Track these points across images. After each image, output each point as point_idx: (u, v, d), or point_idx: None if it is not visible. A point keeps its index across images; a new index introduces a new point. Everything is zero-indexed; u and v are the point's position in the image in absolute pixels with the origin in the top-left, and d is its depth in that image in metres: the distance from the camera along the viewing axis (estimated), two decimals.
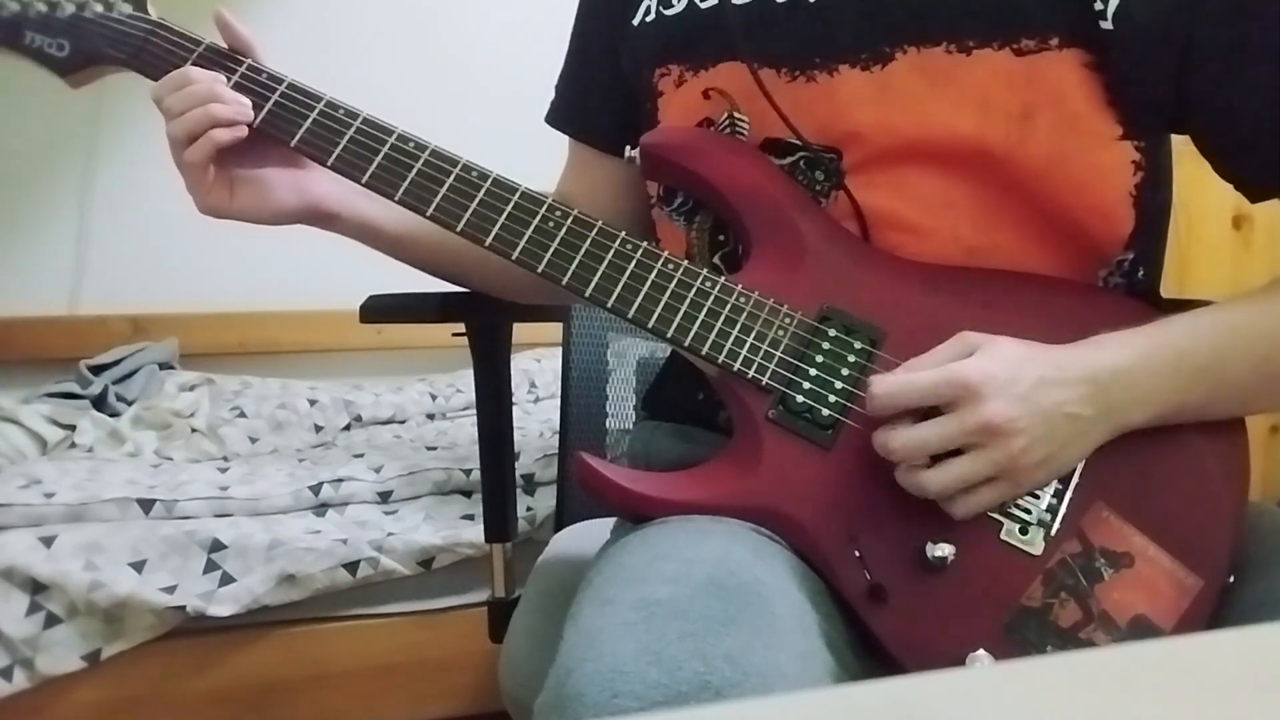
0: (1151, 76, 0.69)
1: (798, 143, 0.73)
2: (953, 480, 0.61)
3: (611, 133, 0.88)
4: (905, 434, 0.61)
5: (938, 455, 0.61)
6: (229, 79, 0.77)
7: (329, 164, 0.75)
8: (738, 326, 0.69)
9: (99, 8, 0.78)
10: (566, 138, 0.93)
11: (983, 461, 0.61)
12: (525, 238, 0.72)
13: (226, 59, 0.78)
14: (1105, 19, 0.67)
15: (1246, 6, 0.67)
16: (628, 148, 0.79)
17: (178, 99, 0.75)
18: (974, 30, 0.69)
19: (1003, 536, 0.64)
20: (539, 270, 0.72)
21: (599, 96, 0.88)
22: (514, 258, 0.72)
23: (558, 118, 0.92)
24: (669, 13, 0.78)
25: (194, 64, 0.77)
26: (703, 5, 0.76)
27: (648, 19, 0.80)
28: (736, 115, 0.75)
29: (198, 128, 0.74)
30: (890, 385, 0.62)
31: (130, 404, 1.81)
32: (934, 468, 0.61)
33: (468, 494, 1.48)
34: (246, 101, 0.76)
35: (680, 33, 0.77)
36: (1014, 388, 0.60)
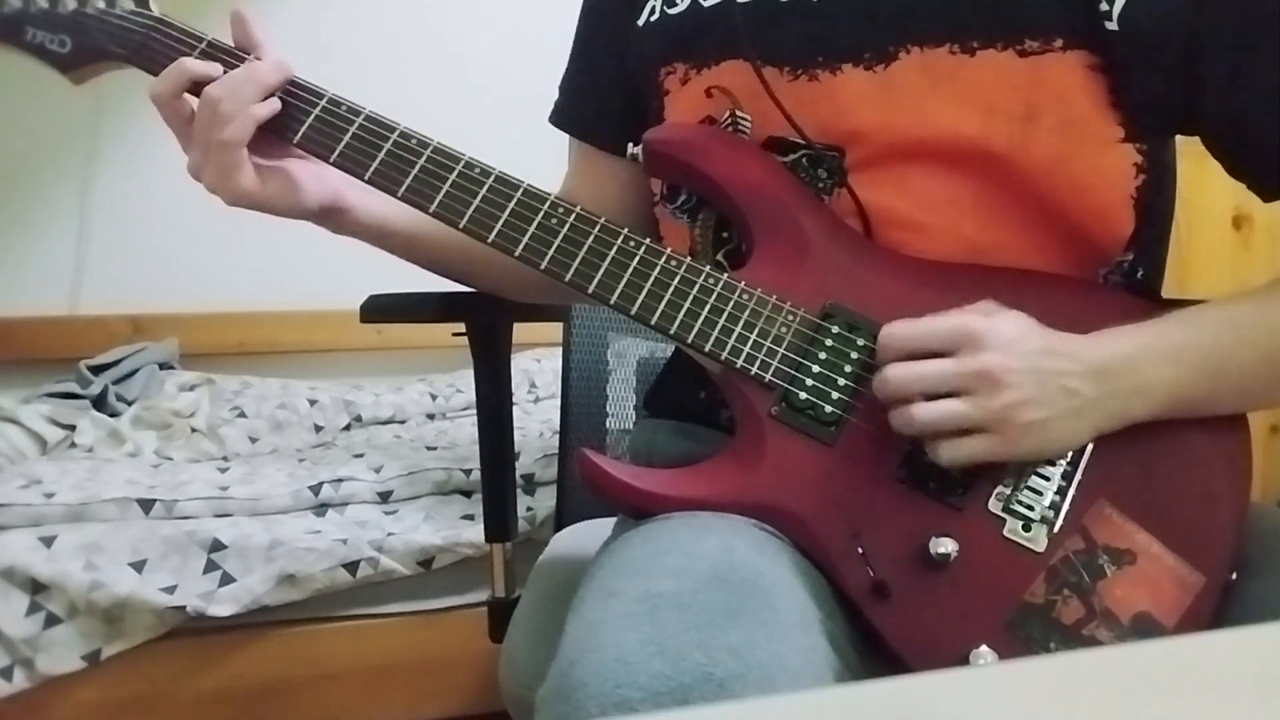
0: (1157, 77, 0.68)
1: (800, 141, 0.73)
2: (939, 416, 0.62)
3: (616, 132, 0.88)
4: (902, 368, 0.63)
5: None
6: (310, 113, 0.76)
7: (331, 160, 0.75)
8: (740, 323, 0.69)
9: (101, 4, 0.78)
10: (568, 139, 0.93)
11: (974, 406, 0.61)
12: (528, 234, 0.72)
13: (229, 55, 0.77)
14: (1111, 19, 0.67)
15: (1254, 6, 0.67)
16: (630, 144, 0.79)
17: (225, 86, 0.73)
18: (978, 31, 0.69)
19: (1005, 533, 0.64)
20: (541, 267, 0.72)
21: (603, 96, 0.88)
22: (516, 254, 0.72)
23: (562, 118, 0.92)
24: (673, 12, 0.78)
25: (196, 60, 0.77)
26: (706, 4, 0.76)
27: (652, 18, 0.80)
28: (739, 114, 0.75)
29: (243, 104, 0.73)
30: (900, 327, 0.64)
31: (130, 404, 1.81)
32: (924, 404, 0.62)
33: (468, 494, 1.48)
34: (284, 61, 0.76)
35: (684, 31, 0.78)
36: (1016, 346, 0.62)
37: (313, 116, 0.76)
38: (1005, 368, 0.61)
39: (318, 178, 0.80)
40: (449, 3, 2.36)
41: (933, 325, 0.63)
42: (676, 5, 0.78)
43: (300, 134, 0.76)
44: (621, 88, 0.85)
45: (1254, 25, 0.67)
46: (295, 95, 0.76)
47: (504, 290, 0.93)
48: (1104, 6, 0.67)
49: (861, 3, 0.71)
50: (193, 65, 0.75)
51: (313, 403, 1.89)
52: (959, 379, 0.61)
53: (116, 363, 1.90)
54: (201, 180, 0.76)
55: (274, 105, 0.75)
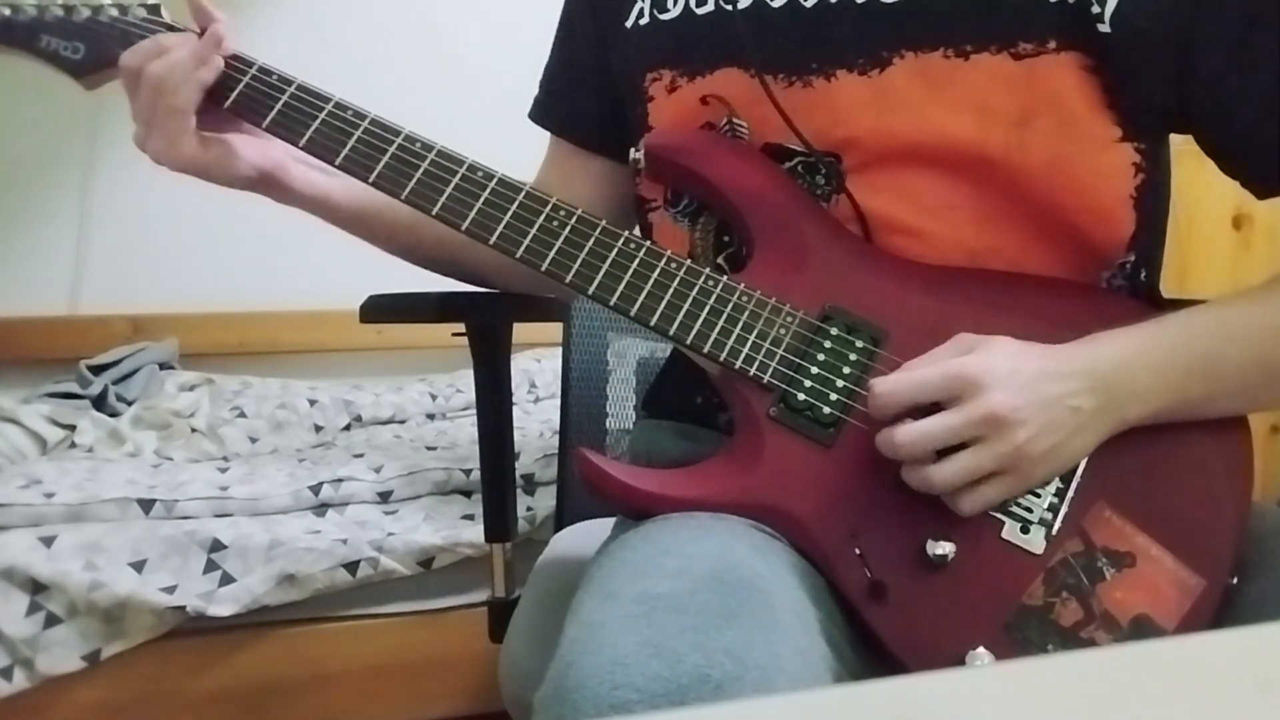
0: (1151, 78, 0.68)
1: (797, 148, 0.73)
2: (959, 474, 0.61)
3: (595, 131, 0.88)
4: (910, 429, 0.61)
5: (942, 451, 0.61)
6: (240, 80, 0.78)
7: (336, 164, 0.76)
8: (739, 325, 0.69)
9: (114, 11, 0.79)
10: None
11: (988, 454, 0.60)
12: (529, 236, 0.72)
13: (238, 61, 0.78)
14: (1103, 22, 0.67)
15: (1247, 5, 0.67)
16: (632, 150, 0.79)
17: (161, 62, 0.76)
18: (971, 34, 0.69)
19: (1004, 535, 0.64)
20: (542, 268, 0.72)
21: (584, 94, 0.88)
22: (518, 255, 0.72)
23: (542, 113, 0.92)
24: (664, 17, 0.78)
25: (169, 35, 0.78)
26: (699, 10, 0.76)
27: (641, 22, 0.80)
28: (736, 121, 0.75)
29: (185, 72, 0.75)
30: (892, 384, 0.62)
31: (130, 404, 1.81)
32: (940, 462, 0.61)
33: (468, 494, 1.48)
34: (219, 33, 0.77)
35: (675, 38, 0.77)
36: (1015, 378, 0.60)
37: (319, 121, 0.76)
38: (1011, 406, 0.60)
39: (258, 146, 0.82)
40: (446, 8, 2.36)
41: (926, 376, 0.62)
42: (669, 10, 0.78)
43: (306, 138, 0.76)
44: (602, 86, 0.85)
45: (1246, 23, 0.67)
46: (302, 100, 0.77)
47: (460, 272, 0.93)
48: (1095, 9, 0.67)
49: (856, 8, 0.71)
50: (167, 40, 0.77)
51: (313, 403, 1.89)
52: (968, 429, 0.60)
53: (116, 363, 1.89)
54: (146, 150, 0.78)
55: (217, 66, 0.76)
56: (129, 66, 0.77)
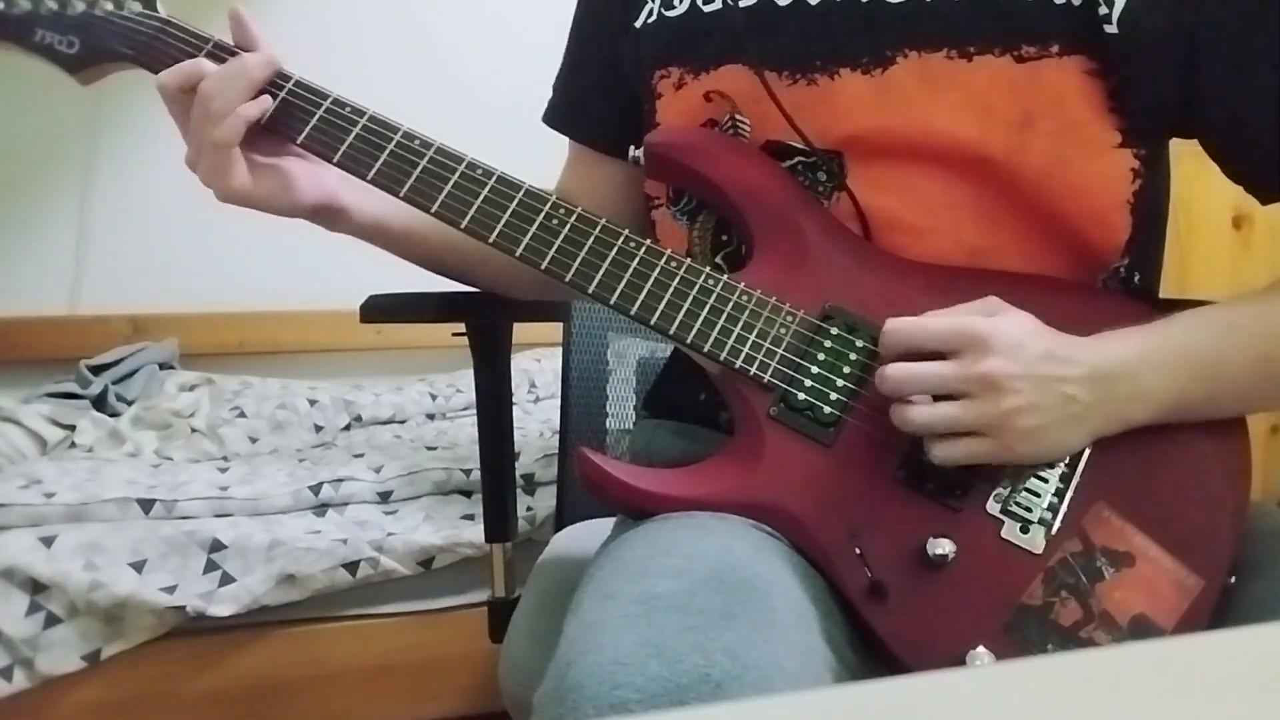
0: (1155, 81, 0.69)
1: (799, 145, 0.73)
2: (936, 419, 0.62)
3: (609, 133, 0.88)
4: (901, 366, 0.62)
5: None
6: None
7: (335, 161, 0.76)
8: (740, 324, 0.69)
9: (109, 5, 0.79)
10: (562, 140, 0.93)
11: (972, 411, 0.61)
12: (529, 234, 0.72)
13: (233, 56, 0.78)
14: (1110, 22, 0.67)
15: (1254, 8, 0.67)
16: (632, 147, 0.79)
17: (216, 81, 0.73)
18: (975, 36, 0.69)
19: (1003, 535, 0.64)
20: (542, 266, 0.72)
21: (597, 97, 0.88)
22: (517, 254, 0.72)
23: (556, 118, 0.92)
24: (671, 15, 0.78)
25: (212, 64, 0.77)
26: (706, 8, 0.76)
27: (649, 20, 0.80)
28: (738, 118, 0.75)
29: (233, 101, 0.73)
30: (901, 323, 0.63)
31: (130, 404, 1.81)
32: (921, 405, 0.62)
33: (468, 494, 1.48)
34: (272, 55, 0.76)
35: (682, 35, 0.78)
36: (1019, 351, 0.61)
37: (316, 117, 0.76)
38: (1007, 373, 0.60)
39: (312, 178, 0.80)
40: (442, 9, 2.36)
41: (936, 324, 0.63)
42: (675, 8, 0.78)
43: (304, 135, 0.76)
44: (617, 90, 0.85)
45: (1253, 28, 0.67)
46: (299, 96, 0.76)
47: (502, 288, 0.93)
48: (1103, 9, 0.67)
49: (860, 7, 0.71)
50: (208, 67, 0.75)
51: (313, 403, 1.89)
52: (959, 382, 0.61)
53: (116, 363, 1.90)
54: (197, 173, 0.77)
55: (264, 104, 0.75)
56: (165, 86, 0.75)
